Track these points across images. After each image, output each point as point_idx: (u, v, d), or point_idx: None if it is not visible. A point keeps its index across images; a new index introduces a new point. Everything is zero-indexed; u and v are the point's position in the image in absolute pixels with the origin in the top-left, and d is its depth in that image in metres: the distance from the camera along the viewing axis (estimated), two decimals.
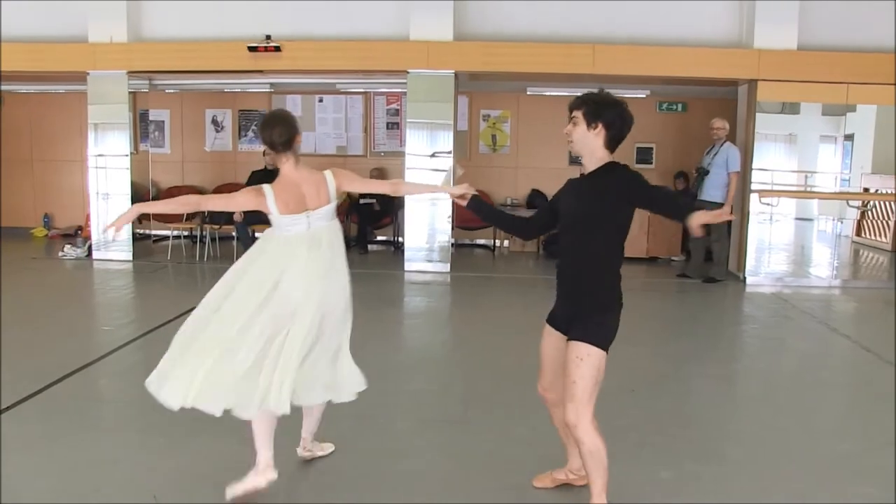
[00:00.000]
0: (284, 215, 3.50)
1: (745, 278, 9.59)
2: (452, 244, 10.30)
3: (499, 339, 6.61)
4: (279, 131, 3.53)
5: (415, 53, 9.58)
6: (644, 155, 11.91)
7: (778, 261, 9.89)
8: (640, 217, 10.82)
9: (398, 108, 12.10)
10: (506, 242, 11.89)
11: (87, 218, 11.14)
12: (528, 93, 11.66)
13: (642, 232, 10.89)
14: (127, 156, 10.34)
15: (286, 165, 3.58)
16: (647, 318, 7.85)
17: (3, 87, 11.89)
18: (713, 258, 9.53)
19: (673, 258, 11.01)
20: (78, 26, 10.04)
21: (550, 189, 11.75)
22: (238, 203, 3.58)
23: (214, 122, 12.57)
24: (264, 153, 10.48)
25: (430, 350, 6.49)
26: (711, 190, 9.16)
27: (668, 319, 8.02)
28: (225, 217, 10.24)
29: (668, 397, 5.17)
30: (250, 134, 12.45)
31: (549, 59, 9.41)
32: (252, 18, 9.82)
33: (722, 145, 9.17)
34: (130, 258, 10.34)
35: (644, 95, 11.46)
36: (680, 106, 11.82)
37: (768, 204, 9.56)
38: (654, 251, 11.01)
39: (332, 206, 3.62)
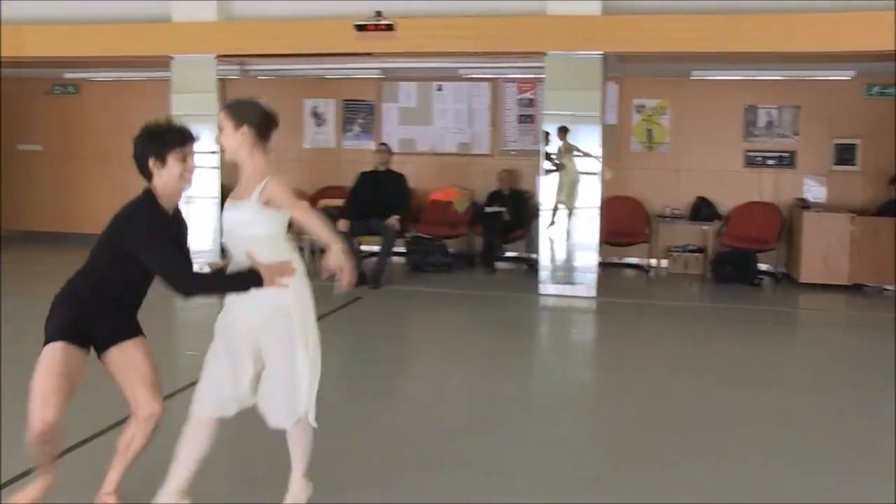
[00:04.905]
0: None
1: None
2: (598, 263, 10.15)
3: (654, 381, 6.52)
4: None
5: (553, 31, 9.52)
6: (845, 154, 11.45)
7: None
8: (840, 232, 10.43)
9: (532, 97, 12.11)
10: (664, 262, 11.65)
11: None
12: (693, 77, 11.40)
13: (843, 251, 10.45)
14: (215, 153, 10.37)
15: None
16: (853, 366, 7.43)
17: (82, 75, 12.72)
18: None
19: (886, 287, 10.50)
20: (160, 5, 10.50)
21: (719, 196, 11.62)
22: None
23: (315, 113, 12.92)
24: (376, 151, 10.78)
25: (570, 391, 6.48)
26: None
27: (887, 370, 7.11)
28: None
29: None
30: (356, 128, 12.76)
31: (723, 35, 9.13)
32: None
33: None
34: None
35: (849, 77, 11.01)
36: None
37: None
38: (859, 276, 10.54)
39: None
